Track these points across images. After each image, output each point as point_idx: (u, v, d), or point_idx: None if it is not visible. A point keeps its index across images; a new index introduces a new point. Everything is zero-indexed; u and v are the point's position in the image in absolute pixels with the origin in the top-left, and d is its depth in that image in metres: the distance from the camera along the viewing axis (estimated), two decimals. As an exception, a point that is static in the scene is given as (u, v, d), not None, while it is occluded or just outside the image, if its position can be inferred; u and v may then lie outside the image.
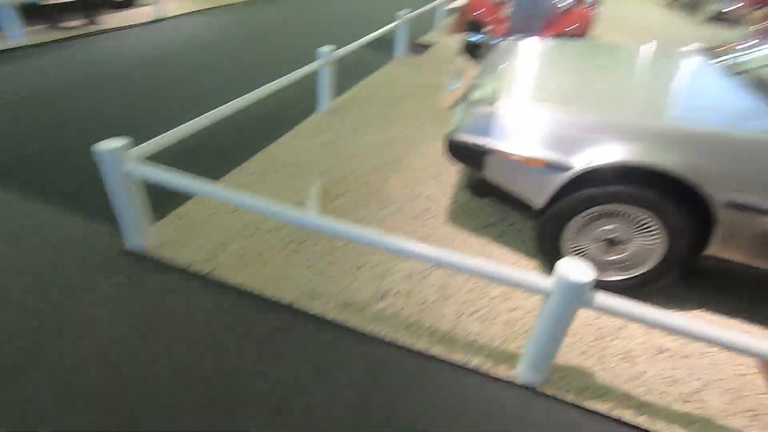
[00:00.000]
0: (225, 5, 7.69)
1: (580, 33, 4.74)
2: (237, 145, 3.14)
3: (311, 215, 1.62)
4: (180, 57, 4.89)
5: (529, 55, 2.56)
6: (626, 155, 1.66)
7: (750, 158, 1.57)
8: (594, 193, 1.78)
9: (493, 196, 2.11)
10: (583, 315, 1.91)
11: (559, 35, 4.82)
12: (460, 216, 2.53)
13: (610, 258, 1.94)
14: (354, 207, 2.53)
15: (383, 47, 5.69)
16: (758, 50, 2.44)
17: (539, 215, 1.97)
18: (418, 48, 5.98)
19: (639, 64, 2.41)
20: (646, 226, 1.81)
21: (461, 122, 1.98)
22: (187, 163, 2.87)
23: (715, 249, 1.74)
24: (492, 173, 1.96)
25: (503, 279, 1.43)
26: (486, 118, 1.90)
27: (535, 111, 1.83)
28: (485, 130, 1.91)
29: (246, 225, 2.30)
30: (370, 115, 3.79)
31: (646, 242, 1.84)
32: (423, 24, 7.30)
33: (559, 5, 4.84)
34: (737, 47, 2.53)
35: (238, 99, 2.57)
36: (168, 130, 2.45)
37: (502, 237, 2.39)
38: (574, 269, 1.34)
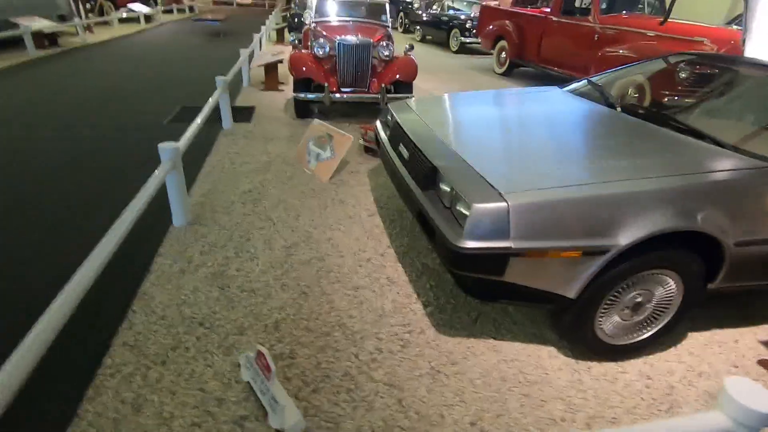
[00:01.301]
0: None
1: (409, 79, 4.89)
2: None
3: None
4: None
5: (467, 121, 2.35)
6: (662, 224, 1.55)
7: (739, 199, 1.67)
8: (628, 266, 1.63)
9: (505, 299, 1.76)
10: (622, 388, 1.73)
11: (392, 83, 4.88)
12: (444, 320, 2.10)
13: (636, 320, 1.84)
14: (323, 365, 1.81)
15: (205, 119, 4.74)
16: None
17: (569, 304, 1.71)
18: (242, 113, 5.24)
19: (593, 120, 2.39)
20: (666, 281, 1.76)
21: (467, 227, 1.57)
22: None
23: (718, 283, 1.80)
24: (516, 275, 1.61)
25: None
26: (499, 216, 1.54)
27: (558, 200, 1.57)
28: (503, 231, 1.54)
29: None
30: (244, 213, 2.97)
31: (667, 295, 1.80)
32: (229, 85, 6.52)
33: (382, 55, 4.89)
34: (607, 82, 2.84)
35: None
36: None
37: (500, 328, 2.07)
38: (751, 393, 1.09)
